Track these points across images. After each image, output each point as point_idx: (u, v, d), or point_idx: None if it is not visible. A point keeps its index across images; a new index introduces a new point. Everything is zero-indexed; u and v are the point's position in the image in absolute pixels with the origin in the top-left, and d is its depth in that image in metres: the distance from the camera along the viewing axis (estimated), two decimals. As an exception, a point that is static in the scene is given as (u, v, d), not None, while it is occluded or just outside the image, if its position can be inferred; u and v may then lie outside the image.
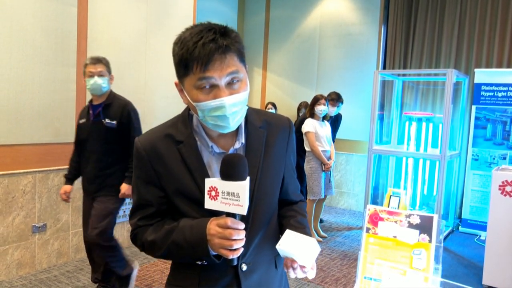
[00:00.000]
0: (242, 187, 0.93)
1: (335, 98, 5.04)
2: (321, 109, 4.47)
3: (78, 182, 3.73)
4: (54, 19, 3.45)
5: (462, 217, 5.25)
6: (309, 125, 4.47)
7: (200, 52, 0.95)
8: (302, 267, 1.04)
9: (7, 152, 3.24)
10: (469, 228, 5.16)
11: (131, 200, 1.17)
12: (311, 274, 1.07)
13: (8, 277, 3.31)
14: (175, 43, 1.01)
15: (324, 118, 4.62)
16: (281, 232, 1.21)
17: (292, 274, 1.05)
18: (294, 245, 1.02)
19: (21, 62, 3.27)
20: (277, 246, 1.03)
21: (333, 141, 5.15)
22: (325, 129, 4.57)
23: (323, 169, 4.45)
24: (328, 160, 4.52)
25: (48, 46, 3.43)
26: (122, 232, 4.17)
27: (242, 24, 7.33)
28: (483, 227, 4.84)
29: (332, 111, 5.01)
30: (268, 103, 6.50)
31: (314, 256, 1.02)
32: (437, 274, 1.11)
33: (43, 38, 3.39)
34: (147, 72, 4.24)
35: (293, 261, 1.03)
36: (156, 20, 4.29)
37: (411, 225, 1.17)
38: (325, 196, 4.62)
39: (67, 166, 3.62)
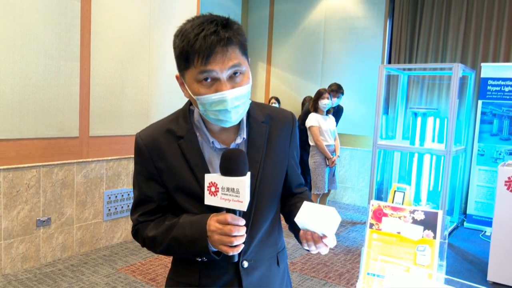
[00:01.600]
0: (242, 183, 0.91)
1: (336, 89, 5.03)
2: (325, 103, 4.46)
3: (82, 176, 3.75)
4: (57, 13, 3.44)
5: (467, 212, 5.21)
6: (312, 120, 4.46)
7: (202, 44, 0.92)
8: (323, 237, 0.98)
9: (11, 146, 3.25)
10: (474, 223, 5.13)
11: (133, 195, 1.16)
12: (331, 242, 1.00)
13: (13, 270, 3.33)
14: (176, 35, 0.99)
15: (327, 112, 4.60)
16: (288, 221, 1.19)
17: (313, 249, 1.00)
18: (313, 215, 0.96)
19: (25, 56, 3.27)
20: (296, 219, 0.98)
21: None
22: (329, 123, 4.56)
23: (327, 163, 4.43)
24: (333, 155, 4.50)
25: (52, 40, 3.43)
26: (126, 226, 4.18)
27: (246, 18, 7.28)
28: (489, 223, 4.80)
29: (333, 102, 5.02)
30: (272, 97, 6.48)
31: (335, 225, 0.96)
32: (441, 270, 1.09)
33: (46, 32, 3.39)
34: (150, 66, 4.23)
35: (313, 233, 0.98)
36: (159, 14, 4.27)
37: (415, 221, 1.15)
38: (329, 190, 4.61)
39: (71, 160, 3.64)
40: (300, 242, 1.05)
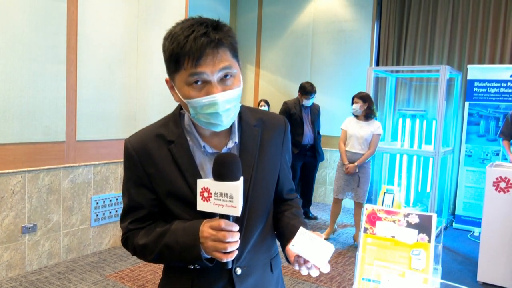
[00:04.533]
0: (236, 188, 0.90)
1: (308, 91, 5.08)
2: (354, 107, 4.30)
3: (69, 181, 3.68)
4: (43, 15, 3.38)
5: (456, 213, 5.27)
6: (343, 123, 4.44)
7: (192, 46, 0.91)
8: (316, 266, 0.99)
9: (-5, 151, 3.17)
10: (462, 224, 5.18)
11: (122, 201, 1.13)
12: (324, 269, 0.99)
13: (-3, 279, 3.25)
14: (165, 38, 0.97)
15: (368, 117, 4.29)
16: (276, 228, 1.18)
17: (304, 271, 0.99)
18: (307, 246, 0.97)
19: (10, 59, 3.19)
20: (290, 247, 0.98)
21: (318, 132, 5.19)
22: (363, 129, 4.26)
23: (344, 169, 4.32)
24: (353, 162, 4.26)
25: (37, 42, 3.36)
26: (114, 232, 4.11)
27: (234, 21, 7.27)
28: (477, 223, 4.86)
29: (307, 102, 5.07)
30: (261, 100, 6.47)
31: (327, 257, 0.98)
32: (436, 275, 1.08)
33: (32, 34, 3.32)
34: (138, 69, 4.18)
35: (306, 260, 0.98)
36: (147, 16, 4.22)
37: (409, 225, 1.14)
38: (358, 204, 4.34)
39: (58, 165, 3.57)
40: (287, 258, 1.04)
